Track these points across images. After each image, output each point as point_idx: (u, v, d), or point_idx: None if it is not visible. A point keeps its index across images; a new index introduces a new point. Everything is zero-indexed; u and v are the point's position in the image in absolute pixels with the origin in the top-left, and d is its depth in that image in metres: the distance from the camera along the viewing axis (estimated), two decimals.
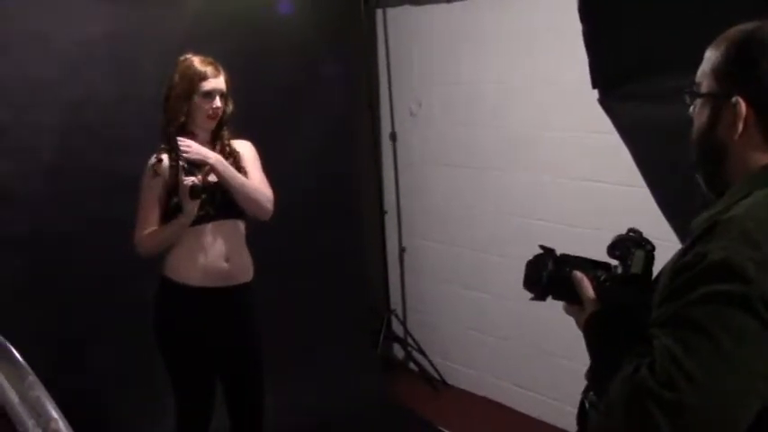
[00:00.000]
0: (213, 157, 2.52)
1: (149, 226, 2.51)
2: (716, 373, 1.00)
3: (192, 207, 2.44)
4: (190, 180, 2.42)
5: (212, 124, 2.56)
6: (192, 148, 2.49)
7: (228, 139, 2.63)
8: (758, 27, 1.19)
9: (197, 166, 2.50)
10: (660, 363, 1.03)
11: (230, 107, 2.59)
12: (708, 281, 1.04)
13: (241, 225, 2.63)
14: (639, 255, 1.31)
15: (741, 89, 1.18)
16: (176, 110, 2.50)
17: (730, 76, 1.19)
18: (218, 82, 2.52)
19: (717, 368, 1.00)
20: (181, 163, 2.45)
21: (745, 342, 1.01)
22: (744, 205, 1.12)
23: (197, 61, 2.52)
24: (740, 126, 1.18)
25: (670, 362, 1.02)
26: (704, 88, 1.24)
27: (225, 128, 2.62)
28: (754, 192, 1.14)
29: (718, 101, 1.21)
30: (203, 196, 2.45)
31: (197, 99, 2.49)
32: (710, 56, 1.23)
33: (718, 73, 1.21)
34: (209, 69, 2.51)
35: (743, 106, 1.17)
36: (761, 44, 1.17)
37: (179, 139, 2.49)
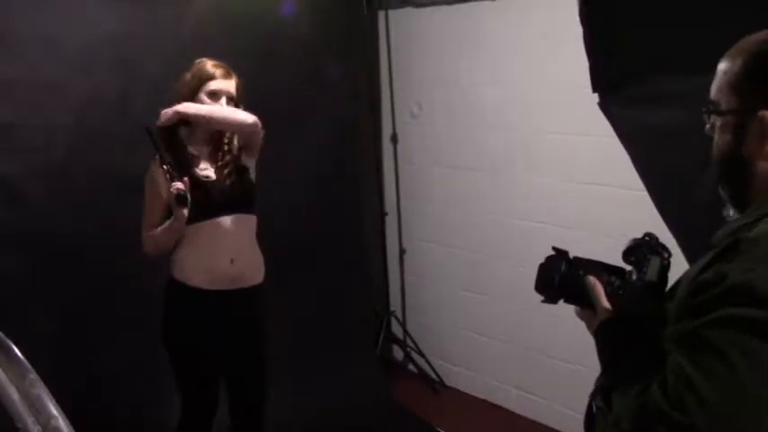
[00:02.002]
0: (180, 106, 2.45)
1: (152, 227, 2.50)
2: (728, 398, 0.97)
3: (182, 212, 2.39)
4: (174, 188, 2.36)
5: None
6: (164, 116, 2.44)
7: (237, 154, 2.57)
8: None
9: (183, 169, 2.44)
10: (672, 383, 1.01)
11: None
12: (727, 303, 1.00)
13: (249, 221, 2.58)
14: (655, 262, 1.28)
15: (767, 102, 1.11)
16: None
17: (753, 89, 1.12)
18: (227, 84, 2.52)
19: (730, 393, 0.97)
20: (165, 167, 2.39)
21: (761, 369, 0.98)
22: None
23: (209, 64, 2.53)
24: None
25: (682, 383, 0.99)
26: (724, 106, 1.16)
27: (232, 138, 2.57)
28: None
29: (742, 117, 1.14)
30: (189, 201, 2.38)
31: (202, 96, 2.48)
32: (726, 70, 1.16)
33: (739, 87, 1.14)
34: (218, 71, 2.51)
35: None
36: None
37: (164, 112, 2.43)
